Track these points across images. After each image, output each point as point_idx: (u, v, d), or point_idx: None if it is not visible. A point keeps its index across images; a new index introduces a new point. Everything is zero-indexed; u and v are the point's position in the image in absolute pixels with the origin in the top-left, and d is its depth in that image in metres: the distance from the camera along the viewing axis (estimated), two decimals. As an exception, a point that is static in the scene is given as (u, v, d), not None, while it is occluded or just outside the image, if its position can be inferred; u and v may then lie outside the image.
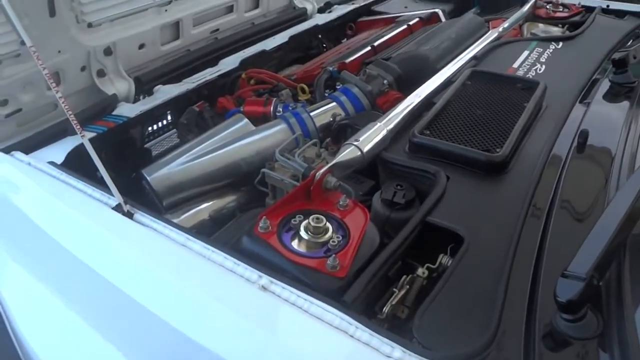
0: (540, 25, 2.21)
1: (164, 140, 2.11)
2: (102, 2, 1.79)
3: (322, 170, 1.16)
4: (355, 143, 1.26)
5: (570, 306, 0.80)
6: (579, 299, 0.79)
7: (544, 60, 1.76)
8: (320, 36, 2.51)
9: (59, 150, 1.55)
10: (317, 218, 1.06)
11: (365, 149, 1.26)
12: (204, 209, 1.49)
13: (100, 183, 1.30)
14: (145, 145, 1.93)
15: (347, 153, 1.25)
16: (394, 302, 0.95)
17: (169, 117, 2.00)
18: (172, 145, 2.04)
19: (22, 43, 1.59)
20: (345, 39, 2.56)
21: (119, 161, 1.73)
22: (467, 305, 0.93)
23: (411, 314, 0.98)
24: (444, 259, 1.03)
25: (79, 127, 1.26)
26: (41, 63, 1.27)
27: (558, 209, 1.08)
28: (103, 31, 1.85)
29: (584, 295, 0.79)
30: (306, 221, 1.07)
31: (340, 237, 1.06)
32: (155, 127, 1.98)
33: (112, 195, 1.24)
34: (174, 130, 2.04)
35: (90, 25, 1.79)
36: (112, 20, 1.86)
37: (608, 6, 2.32)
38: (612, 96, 1.50)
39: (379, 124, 1.33)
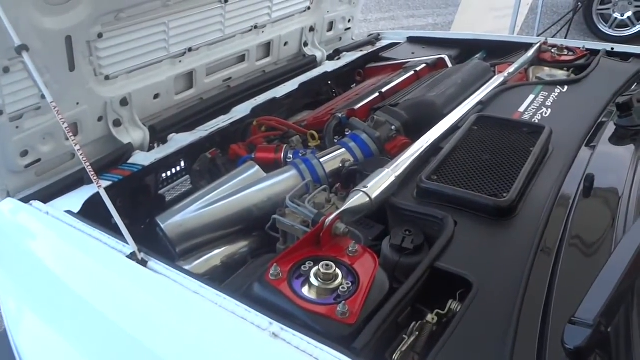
0: (546, 69, 2.24)
1: (177, 186, 2.15)
2: (118, 56, 1.86)
3: (331, 217, 1.18)
4: (364, 189, 1.29)
5: (578, 353, 0.80)
6: (586, 345, 0.79)
7: (549, 104, 1.79)
8: (329, 82, 2.57)
9: (75, 199, 1.59)
10: (327, 265, 1.08)
11: (374, 195, 1.28)
12: (216, 255, 1.51)
13: (115, 231, 1.33)
14: (159, 192, 1.97)
15: (356, 199, 1.27)
16: (403, 349, 0.96)
17: (182, 164, 2.05)
18: (185, 191, 2.08)
19: (43, 97, 1.66)
20: (354, 85, 2.62)
21: (134, 208, 1.77)
22: (476, 351, 0.93)
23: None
24: (453, 305, 1.04)
25: (95, 177, 1.30)
26: (61, 117, 1.33)
27: (566, 253, 1.08)
28: (119, 83, 1.92)
29: (591, 342, 0.79)
30: (316, 268, 1.09)
31: (350, 283, 1.07)
32: (169, 173, 2.02)
33: (127, 243, 1.27)
34: (187, 176, 2.08)
35: (107, 77, 1.86)
36: (129, 72, 1.94)
37: (613, 49, 2.35)
38: (617, 139, 1.52)
39: (387, 170, 1.36)
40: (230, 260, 1.52)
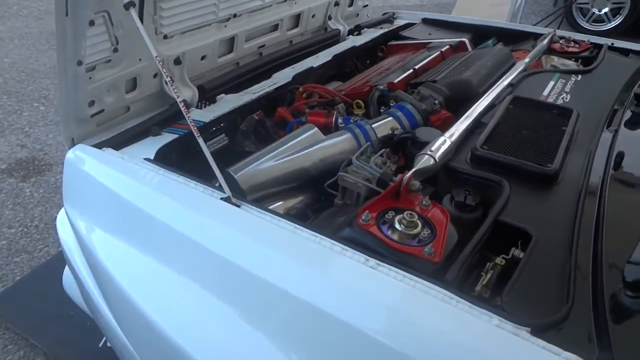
0: (555, 58, 2.47)
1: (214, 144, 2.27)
2: (177, 17, 1.98)
3: (408, 175, 1.37)
4: (430, 153, 1.48)
5: (635, 285, 1.02)
6: (642, 279, 1.02)
7: (567, 90, 2.00)
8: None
9: (145, 149, 1.71)
10: (411, 214, 1.27)
11: (438, 159, 1.48)
12: (279, 206, 1.67)
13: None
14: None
15: (424, 161, 1.46)
16: (484, 283, 1.16)
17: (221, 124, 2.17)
18: (220, 147, 2.17)
19: (114, 50, 1.78)
20: (368, 60, 2.78)
21: (188, 161, 1.91)
22: (542, 285, 1.15)
23: (492, 294, 1.19)
24: (515, 252, 1.25)
25: (193, 123, 1.43)
26: (164, 70, 1.46)
27: (607, 211, 1.30)
28: (175, 42, 2.04)
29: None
30: (400, 216, 1.27)
31: (429, 231, 1.26)
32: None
33: (213, 189, 1.43)
34: (222, 135, 2.20)
35: (165, 37, 1.98)
36: (183, 32, 2.05)
37: (613, 44, 2.59)
38: (634, 124, 1.75)
39: (444, 138, 1.55)
40: (289, 212, 1.68)
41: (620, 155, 1.46)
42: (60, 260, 2.08)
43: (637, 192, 1.46)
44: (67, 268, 1.96)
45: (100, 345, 2.26)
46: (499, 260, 1.23)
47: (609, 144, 1.61)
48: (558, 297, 1.11)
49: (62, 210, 1.83)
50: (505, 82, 1.98)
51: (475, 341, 1.00)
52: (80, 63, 1.66)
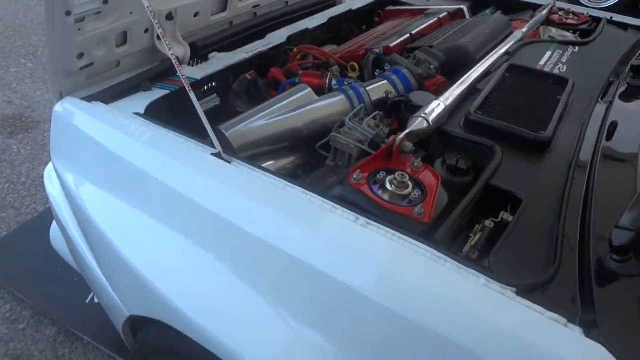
0: (553, 29, 2.45)
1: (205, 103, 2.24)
2: (170, -31, 1.93)
3: (401, 136, 1.36)
4: (424, 116, 1.47)
5: (622, 249, 1.03)
6: (629, 244, 1.02)
7: (564, 61, 1.99)
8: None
9: (135, 104, 1.68)
10: (402, 174, 1.26)
11: (432, 122, 1.47)
12: (269, 166, 1.65)
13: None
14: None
15: (418, 124, 1.45)
16: (472, 244, 1.17)
17: (214, 83, 2.14)
18: (211, 107, 2.15)
19: (104, 2, 1.73)
20: (364, 26, 2.74)
21: (179, 118, 1.88)
22: (530, 248, 1.16)
23: (479, 256, 1.20)
24: (504, 215, 1.25)
25: (184, 77, 1.41)
26: (156, 22, 1.42)
27: (597, 179, 1.31)
28: (167, -3, 1.99)
29: (633, 242, 1.02)
30: (391, 176, 1.27)
31: (419, 192, 1.26)
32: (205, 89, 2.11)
33: (204, 144, 1.41)
34: (214, 95, 2.17)
35: (157, -10, 1.93)
36: (176, -13, 2.00)
37: (612, 18, 2.57)
38: (629, 97, 1.75)
39: (439, 102, 1.54)
40: (280, 172, 1.66)
41: (614, 125, 1.46)
42: (47, 217, 2.07)
43: (628, 162, 1.47)
44: (54, 223, 1.95)
45: (87, 301, 2.25)
46: (488, 222, 1.24)
47: (603, 114, 1.60)
48: (545, 260, 1.12)
49: (50, 165, 1.81)
50: (502, 51, 1.96)
51: (461, 299, 1.01)
52: (69, 13, 1.62)
